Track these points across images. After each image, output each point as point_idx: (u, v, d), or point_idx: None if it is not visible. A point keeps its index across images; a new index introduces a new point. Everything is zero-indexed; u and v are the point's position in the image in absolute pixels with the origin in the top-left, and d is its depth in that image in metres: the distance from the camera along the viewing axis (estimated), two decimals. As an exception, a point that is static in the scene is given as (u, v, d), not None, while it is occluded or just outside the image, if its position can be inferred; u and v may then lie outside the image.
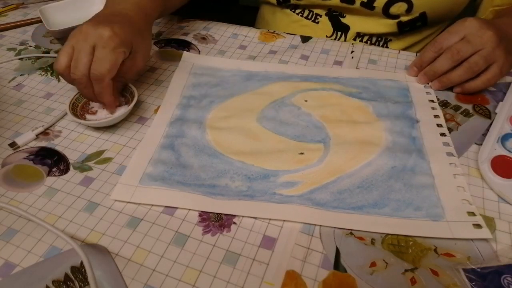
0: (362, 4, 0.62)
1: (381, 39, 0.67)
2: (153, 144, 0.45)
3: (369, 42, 0.67)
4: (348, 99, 0.51)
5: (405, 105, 0.50)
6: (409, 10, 0.61)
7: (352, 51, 0.60)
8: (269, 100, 0.50)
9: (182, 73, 0.55)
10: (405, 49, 0.67)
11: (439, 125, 0.47)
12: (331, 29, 0.68)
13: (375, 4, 0.61)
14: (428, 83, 0.53)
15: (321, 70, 0.56)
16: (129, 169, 0.42)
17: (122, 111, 0.46)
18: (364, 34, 0.67)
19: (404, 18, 0.63)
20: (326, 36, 0.67)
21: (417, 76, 0.54)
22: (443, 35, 0.50)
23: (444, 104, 0.50)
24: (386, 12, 0.62)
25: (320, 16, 0.68)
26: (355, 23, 0.66)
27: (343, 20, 0.67)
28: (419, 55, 0.53)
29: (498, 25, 0.49)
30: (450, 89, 0.52)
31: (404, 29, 0.64)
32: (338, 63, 0.58)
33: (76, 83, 0.44)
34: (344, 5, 0.63)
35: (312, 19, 0.69)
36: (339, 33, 0.68)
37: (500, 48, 0.47)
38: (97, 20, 0.44)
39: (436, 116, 0.48)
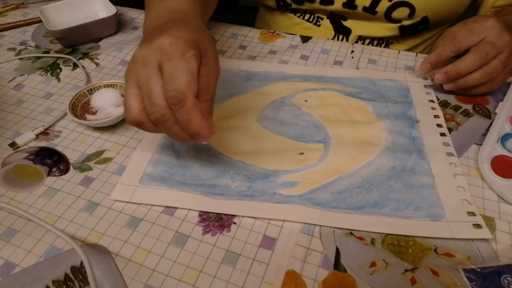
0: (364, 9, 0.62)
1: (383, 42, 0.67)
2: (153, 144, 0.45)
3: (370, 45, 0.67)
4: (348, 99, 0.51)
5: (405, 105, 0.50)
6: (411, 15, 0.61)
7: (352, 51, 0.60)
8: (269, 100, 0.50)
9: (182, 73, 0.55)
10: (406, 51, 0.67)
11: (439, 125, 0.47)
12: (333, 32, 0.68)
13: (377, 9, 0.61)
14: (446, 83, 0.49)
15: (321, 70, 0.56)
16: (129, 169, 0.42)
17: (122, 111, 0.46)
18: (366, 37, 0.67)
19: (406, 22, 0.62)
20: (328, 39, 0.67)
21: (427, 72, 0.51)
22: (463, 33, 0.47)
23: (444, 104, 0.50)
24: (388, 17, 0.62)
25: (322, 19, 0.68)
26: (357, 26, 0.66)
27: (344, 23, 0.66)
28: (436, 53, 0.49)
29: (510, 27, 0.47)
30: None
31: (406, 33, 0.64)
32: (338, 63, 0.58)
33: (161, 126, 0.33)
34: (346, 10, 0.63)
35: (314, 22, 0.69)
36: (340, 36, 0.68)
37: None
38: (147, 39, 0.34)
39: (436, 116, 0.48)
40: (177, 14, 0.38)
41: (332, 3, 0.63)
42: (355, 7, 0.62)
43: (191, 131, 0.33)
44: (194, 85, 0.32)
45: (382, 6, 0.61)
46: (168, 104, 0.32)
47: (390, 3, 0.60)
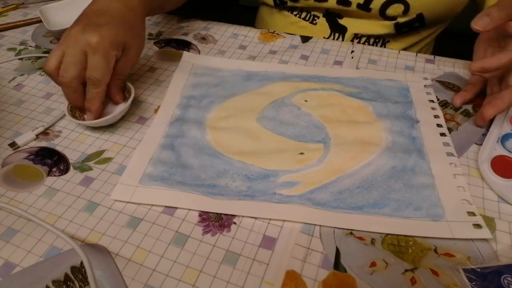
0: (358, 6, 0.62)
1: (379, 40, 0.67)
2: (153, 144, 0.45)
3: (367, 43, 0.67)
4: (348, 99, 0.51)
5: (405, 105, 0.50)
6: (405, 12, 0.61)
7: (352, 51, 0.60)
8: (269, 100, 0.50)
9: (182, 73, 0.55)
10: (403, 50, 0.67)
11: (439, 125, 0.47)
12: (329, 31, 0.68)
13: (371, 6, 0.61)
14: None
15: (321, 70, 0.56)
16: (129, 169, 0.42)
17: (120, 108, 0.46)
18: (362, 35, 0.67)
19: (401, 20, 0.62)
20: (324, 37, 0.67)
21: (479, 72, 0.45)
22: None
23: (444, 104, 0.50)
24: (382, 14, 0.62)
25: (318, 17, 0.68)
26: (353, 24, 0.66)
27: (340, 21, 0.67)
28: (494, 58, 0.43)
29: None
30: (450, 89, 0.52)
31: (401, 30, 0.64)
32: (338, 63, 0.58)
33: (64, 86, 0.44)
34: (341, 7, 0.63)
35: (310, 20, 0.69)
36: (336, 34, 0.68)
37: None
38: (85, 23, 0.44)
39: (436, 116, 0.48)
40: (120, 3, 0.47)
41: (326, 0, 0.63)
42: (349, 4, 0.62)
43: (88, 105, 0.45)
44: (108, 76, 0.44)
45: (376, 3, 0.61)
46: (89, 82, 0.43)
47: (384, 0, 0.60)
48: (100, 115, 0.46)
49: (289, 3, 0.67)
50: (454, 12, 0.63)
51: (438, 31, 0.69)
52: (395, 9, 0.61)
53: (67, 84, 0.43)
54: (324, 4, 0.64)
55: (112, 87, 0.46)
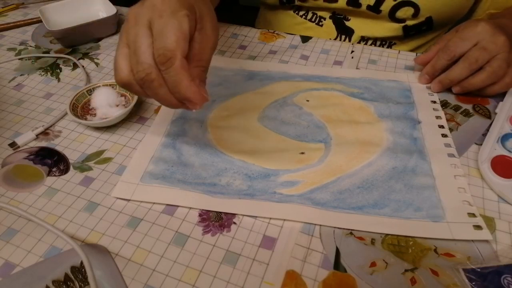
0: (368, 7, 0.62)
1: (385, 43, 0.67)
2: (154, 142, 0.45)
3: (373, 45, 0.67)
4: (349, 99, 0.51)
5: (407, 105, 0.50)
6: (415, 15, 0.60)
7: (352, 51, 0.60)
8: (271, 100, 0.50)
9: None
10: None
11: (440, 126, 0.46)
12: (335, 32, 0.68)
13: (381, 8, 0.61)
14: (441, 91, 0.51)
15: (323, 70, 0.56)
16: (130, 167, 0.42)
17: (122, 111, 0.46)
18: (369, 38, 0.67)
19: (410, 22, 0.62)
20: (330, 39, 0.67)
21: (428, 83, 0.52)
22: (455, 42, 0.48)
23: (444, 104, 0.50)
24: (392, 16, 0.62)
25: (324, 19, 0.68)
26: (360, 26, 0.66)
27: (347, 23, 0.66)
28: (431, 64, 0.51)
29: (506, 28, 0.47)
30: (450, 89, 0.52)
31: (409, 33, 0.64)
32: (338, 63, 0.58)
33: (147, 87, 0.32)
34: (350, 8, 0.63)
35: (316, 21, 0.68)
36: (343, 37, 0.68)
37: None
38: (141, 1, 0.34)
39: (438, 117, 0.48)
40: None
41: (336, 0, 0.63)
42: (359, 5, 0.62)
43: (180, 95, 0.32)
44: (184, 44, 0.31)
45: (387, 5, 0.60)
46: (157, 64, 0.31)
47: (395, 2, 0.60)
48: (204, 98, 0.33)
49: (297, 2, 0.66)
50: (460, 15, 0.63)
51: (443, 34, 0.68)
52: (404, 12, 0.60)
53: (148, 80, 0.31)
54: (334, 5, 0.63)
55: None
